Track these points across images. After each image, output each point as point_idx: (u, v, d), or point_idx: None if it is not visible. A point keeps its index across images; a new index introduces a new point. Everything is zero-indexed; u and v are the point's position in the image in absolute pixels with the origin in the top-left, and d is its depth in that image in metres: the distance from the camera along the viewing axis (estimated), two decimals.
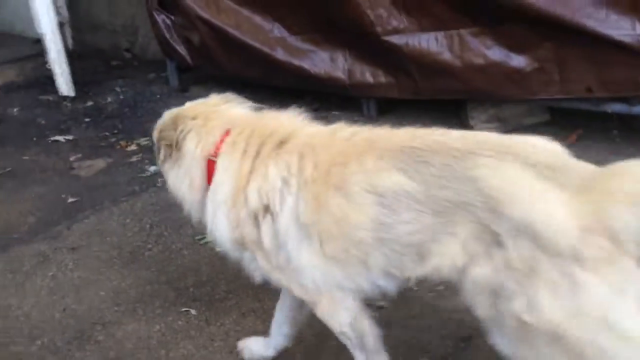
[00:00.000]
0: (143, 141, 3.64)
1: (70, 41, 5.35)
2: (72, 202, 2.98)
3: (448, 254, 1.35)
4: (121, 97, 4.41)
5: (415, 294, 2.09)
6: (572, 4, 2.68)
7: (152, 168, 3.26)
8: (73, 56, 4.66)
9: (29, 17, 5.16)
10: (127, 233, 2.67)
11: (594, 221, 1.19)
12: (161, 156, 1.74)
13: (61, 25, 4.73)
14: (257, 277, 1.66)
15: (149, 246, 2.57)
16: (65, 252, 2.54)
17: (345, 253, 1.46)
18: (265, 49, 3.60)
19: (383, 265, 1.45)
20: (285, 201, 1.50)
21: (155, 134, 1.77)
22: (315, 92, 3.75)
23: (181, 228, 2.68)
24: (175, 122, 1.71)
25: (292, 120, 1.67)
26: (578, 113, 3.04)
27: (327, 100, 3.77)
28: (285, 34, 3.58)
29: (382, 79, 3.30)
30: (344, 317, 1.57)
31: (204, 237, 2.58)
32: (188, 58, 4.11)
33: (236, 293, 2.24)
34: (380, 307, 1.93)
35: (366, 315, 1.59)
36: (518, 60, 2.92)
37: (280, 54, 3.58)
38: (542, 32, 2.81)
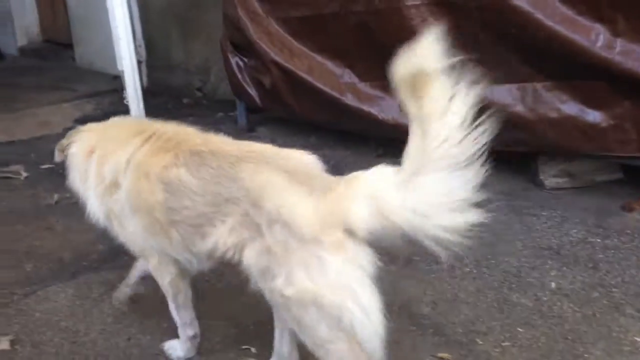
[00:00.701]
0: None
1: (145, 79, 5.58)
2: None
3: (221, 236, 1.69)
4: None
5: (481, 347, 2.03)
6: None
7: None
8: (147, 93, 4.83)
9: (109, 56, 5.43)
10: None
11: (331, 215, 1.53)
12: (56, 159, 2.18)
13: (139, 63, 4.94)
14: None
15: (211, 282, 2.60)
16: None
17: (153, 228, 1.85)
18: (335, 94, 3.67)
19: (180, 241, 1.81)
20: (125, 177, 1.89)
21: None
22: (381, 138, 3.77)
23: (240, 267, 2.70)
24: (67, 136, 2.16)
25: (148, 123, 2.08)
26: None
27: (393, 146, 3.76)
28: (355, 80, 3.64)
29: None
30: (165, 276, 1.99)
31: None
32: (257, 99, 4.22)
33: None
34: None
35: (184, 279, 2.00)
36: (594, 116, 2.86)
37: (349, 99, 3.63)
38: (620, 89, 2.75)
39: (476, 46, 3.07)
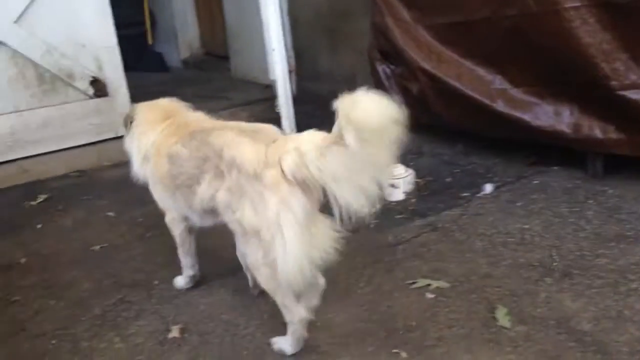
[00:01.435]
0: None
1: (294, 87, 5.81)
2: None
3: (203, 190, 2.21)
4: None
5: None
6: None
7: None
8: (296, 101, 5.02)
9: (261, 67, 5.74)
10: (340, 270, 2.75)
11: (269, 158, 1.99)
12: (125, 130, 2.66)
13: (289, 73, 5.16)
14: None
15: (361, 285, 2.65)
16: None
17: (166, 192, 2.46)
18: (485, 100, 3.59)
19: (182, 200, 2.37)
20: (151, 154, 2.47)
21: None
22: (533, 145, 3.64)
23: (392, 271, 2.74)
24: (130, 110, 2.69)
25: (176, 109, 2.59)
26: None
27: (546, 154, 3.63)
28: (507, 85, 3.53)
29: (613, 135, 3.11)
30: (176, 228, 2.59)
31: (415, 282, 2.61)
32: (404, 107, 4.23)
33: (446, 341, 2.22)
34: None
35: (190, 233, 2.61)
36: None
37: (500, 106, 3.54)
38: None
39: None
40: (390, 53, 4.22)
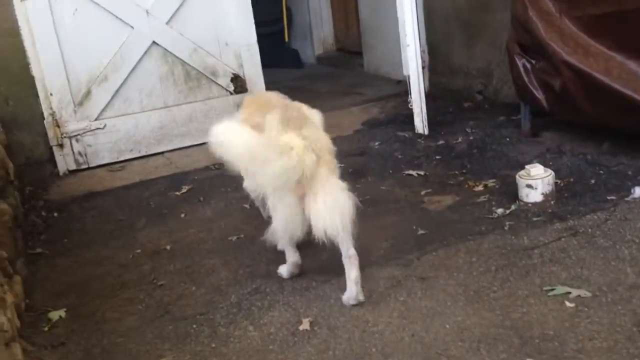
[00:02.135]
0: (490, 182, 3.67)
1: (426, 83, 5.73)
2: (422, 234, 3.15)
3: None
4: (471, 137, 4.51)
5: None
6: None
7: (499, 210, 3.27)
8: (428, 97, 4.95)
9: (393, 62, 5.72)
10: (472, 272, 2.72)
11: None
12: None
13: (422, 68, 5.09)
14: None
15: (494, 288, 2.57)
16: (415, 281, 2.70)
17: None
18: (637, 96, 3.32)
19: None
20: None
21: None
22: None
23: (528, 275, 2.62)
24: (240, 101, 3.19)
25: (271, 106, 2.74)
26: None
27: None
28: None
29: None
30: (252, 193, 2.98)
31: (553, 289, 2.48)
32: (544, 103, 4.03)
33: (586, 354, 2.09)
34: None
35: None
36: None
37: None
38: None
39: None
40: (531, 47, 4.03)
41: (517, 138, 4.32)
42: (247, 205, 3.75)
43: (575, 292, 2.43)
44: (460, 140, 4.50)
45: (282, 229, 2.54)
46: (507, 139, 4.34)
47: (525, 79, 4.10)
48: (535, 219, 3.12)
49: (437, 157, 4.27)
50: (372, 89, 6.23)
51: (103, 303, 2.87)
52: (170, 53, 4.88)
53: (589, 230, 2.92)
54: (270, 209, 2.60)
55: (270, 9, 7.96)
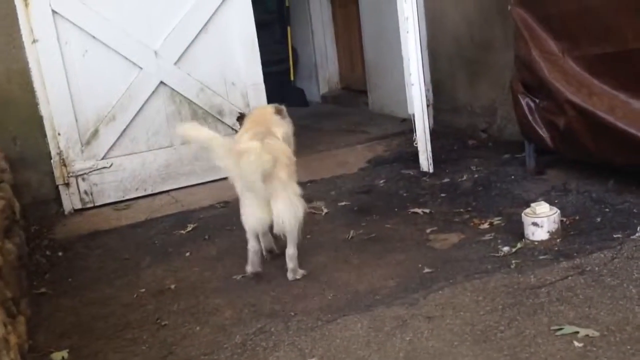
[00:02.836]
0: (496, 220, 3.66)
1: (431, 121, 5.77)
2: (427, 273, 3.13)
3: None
4: (475, 175, 4.52)
5: None
6: None
7: (505, 248, 3.25)
8: (433, 135, 4.97)
9: (398, 100, 5.77)
10: (479, 311, 2.69)
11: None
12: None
13: (427, 106, 5.14)
14: None
15: (501, 328, 2.54)
16: (421, 320, 2.67)
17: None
18: None
19: None
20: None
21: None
22: None
23: (535, 314, 2.59)
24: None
25: (262, 122, 3.38)
26: None
27: None
28: None
29: None
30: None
31: (561, 328, 2.45)
32: (549, 141, 4.05)
33: None
34: None
35: None
36: None
37: None
38: None
39: None
40: (534, 86, 4.07)
41: (522, 176, 4.33)
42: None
43: (583, 332, 2.40)
44: (465, 178, 4.50)
45: (243, 222, 3.20)
46: (512, 177, 4.34)
47: (530, 117, 4.13)
48: (541, 257, 3.10)
49: (443, 195, 4.27)
50: (377, 127, 6.26)
51: (106, 343, 2.85)
52: (178, 93, 4.94)
53: (596, 268, 2.89)
54: (240, 205, 3.22)
55: (276, 49, 8.09)
